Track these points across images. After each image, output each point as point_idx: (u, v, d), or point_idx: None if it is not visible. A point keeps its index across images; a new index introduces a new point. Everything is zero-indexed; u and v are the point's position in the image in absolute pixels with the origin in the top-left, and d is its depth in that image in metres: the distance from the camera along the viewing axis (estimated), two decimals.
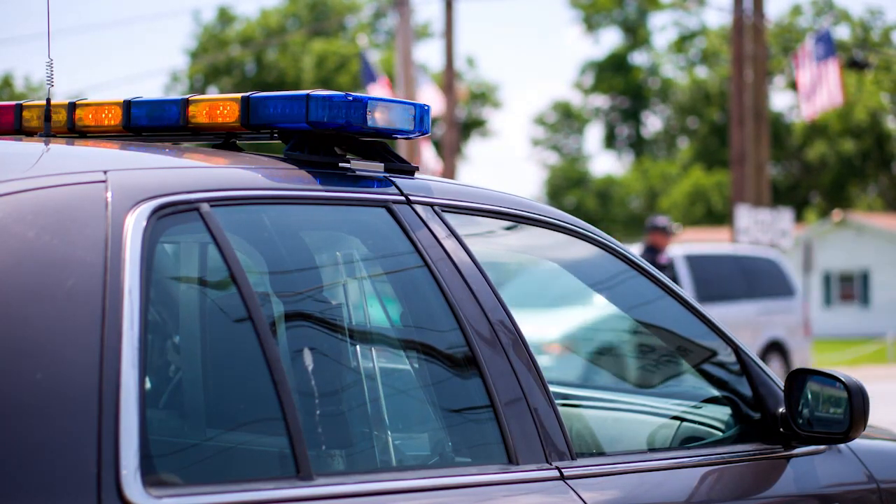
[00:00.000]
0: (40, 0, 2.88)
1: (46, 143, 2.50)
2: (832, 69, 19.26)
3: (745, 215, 19.40)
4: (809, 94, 19.45)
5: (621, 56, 59.93)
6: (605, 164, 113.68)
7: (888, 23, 54.10)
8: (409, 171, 2.68)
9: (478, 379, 2.49)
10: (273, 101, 2.51)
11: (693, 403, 3.30)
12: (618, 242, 2.99)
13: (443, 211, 2.62)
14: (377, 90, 22.61)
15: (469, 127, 55.97)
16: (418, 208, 2.58)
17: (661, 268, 12.48)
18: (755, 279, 15.89)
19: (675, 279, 12.80)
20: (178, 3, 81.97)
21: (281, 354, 2.26)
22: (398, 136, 2.63)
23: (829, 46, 19.41)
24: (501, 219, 2.81)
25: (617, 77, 59.23)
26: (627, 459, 2.78)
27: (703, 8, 57.82)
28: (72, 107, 2.70)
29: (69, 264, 1.97)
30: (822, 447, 3.05)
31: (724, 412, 3.10)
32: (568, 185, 59.79)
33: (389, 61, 44.43)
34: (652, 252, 12.68)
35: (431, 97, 23.35)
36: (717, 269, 15.52)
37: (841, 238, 40.96)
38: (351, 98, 2.50)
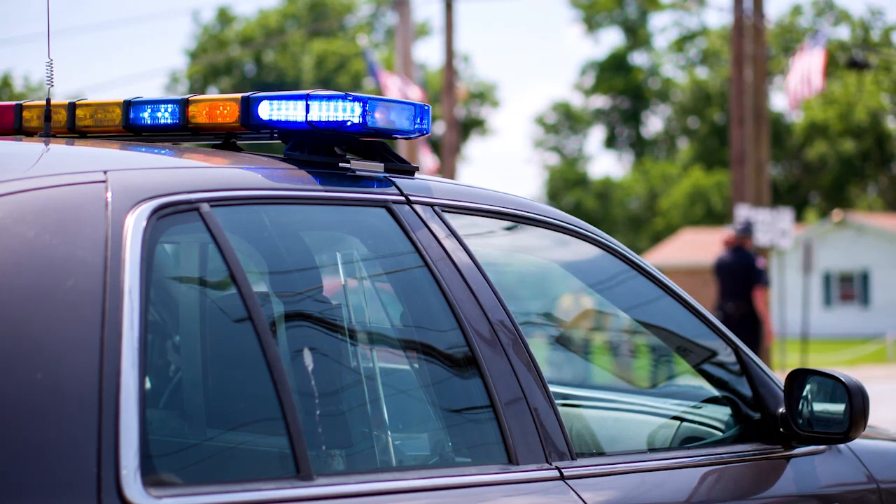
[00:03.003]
0: (40, 0, 2.88)
1: (46, 143, 2.50)
2: (817, 59, 19.20)
3: (745, 215, 19.39)
4: (795, 84, 19.41)
5: (621, 56, 59.93)
6: (605, 164, 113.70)
7: (888, 23, 54.11)
8: (409, 171, 2.68)
9: (478, 379, 2.49)
10: (273, 101, 2.51)
11: (693, 403, 3.30)
12: (618, 242, 2.99)
13: (443, 211, 2.62)
14: (386, 83, 22.57)
15: (468, 126, 55.94)
16: (418, 208, 2.58)
17: (759, 272, 12.34)
18: None
19: (768, 282, 12.66)
20: (178, 3, 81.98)
21: (281, 354, 2.26)
22: (398, 136, 2.63)
23: (821, 42, 19.38)
24: (501, 219, 2.81)
25: (617, 77, 59.22)
26: (627, 459, 2.78)
27: (703, 8, 57.84)
28: (72, 107, 2.70)
29: (69, 264, 1.97)
30: (821, 447, 3.05)
31: (724, 412, 3.10)
32: (568, 185, 59.76)
33: (389, 60, 44.43)
34: (740, 253, 12.51)
35: (417, 96, 23.23)
36: None
37: (841, 238, 40.97)
38: (351, 98, 2.50)
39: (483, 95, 57.89)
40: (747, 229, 12.67)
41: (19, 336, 1.89)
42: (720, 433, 3.07)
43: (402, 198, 2.57)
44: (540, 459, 2.48)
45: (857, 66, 26.05)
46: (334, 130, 2.52)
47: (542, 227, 2.85)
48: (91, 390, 1.89)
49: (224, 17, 55.64)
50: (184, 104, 2.60)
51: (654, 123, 61.74)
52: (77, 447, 1.86)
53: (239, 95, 2.55)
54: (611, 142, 61.89)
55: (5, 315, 1.89)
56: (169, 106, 2.61)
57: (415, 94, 23.08)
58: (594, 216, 55.20)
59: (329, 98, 2.47)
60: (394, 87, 22.08)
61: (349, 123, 2.50)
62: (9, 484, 1.80)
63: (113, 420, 1.89)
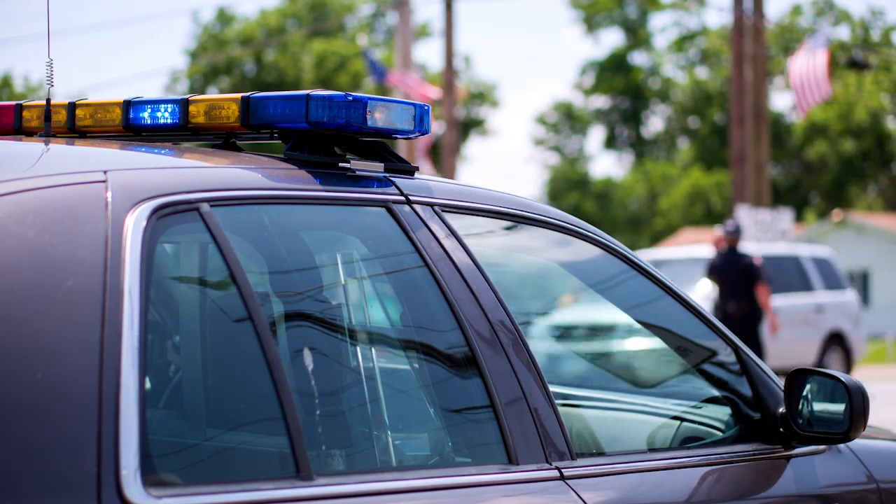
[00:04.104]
0: (40, 0, 2.88)
1: (46, 143, 2.50)
2: (821, 61, 19.19)
3: (745, 215, 19.39)
4: (801, 89, 19.41)
5: (622, 56, 59.91)
6: (605, 165, 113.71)
7: (888, 23, 54.10)
8: (409, 171, 2.68)
9: (478, 379, 2.49)
10: (273, 101, 2.51)
11: (693, 403, 3.30)
12: (618, 242, 2.99)
13: (443, 211, 2.62)
14: (396, 82, 22.55)
15: (468, 126, 55.94)
16: (418, 208, 2.58)
17: (760, 269, 12.37)
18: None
19: (769, 280, 12.71)
20: (178, 3, 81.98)
21: (281, 354, 2.26)
22: (398, 136, 2.64)
23: (821, 41, 19.37)
24: (501, 219, 2.81)
25: (617, 77, 59.21)
26: (627, 459, 2.78)
27: (703, 8, 57.83)
28: (72, 107, 2.70)
29: (69, 264, 1.97)
30: (821, 447, 3.05)
31: (724, 412, 3.10)
32: (569, 186, 59.74)
33: (389, 60, 44.42)
34: (735, 254, 12.52)
35: (426, 93, 23.20)
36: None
37: (841, 238, 40.93)
38: (351, 98, 2.50)
39: (483, 95, 57.86)
40: (738, 230, 12.72)
41: (19, 336, 1.89)
42: (720, 433, 3.07)
43: (402, 198, 2.57)
44: (540, 459, 2.48)
45: (857, 66, 26.06)
46: (334, 130, 2.52)
47: (543, 227, 2.85)
48: (91, 390, 1.89)
49: (224, 16, 55.60)
50: (184, 104, 2.60)
51: (654, 123, 61.75)
52: (77, 447, 1.86)
53: (239, 95, 2.55)
54: (611, 142, 61.86)
55: (5, 315, 1.89)
56: (169, 106, 2.61)
57: (428, 90, 23.02)
58: (594, 216, 55.18)
59: (329, 98, 2.48)
60: (407, 84, 21.99)
61: (349, 123, 2.50)
62: (9, 484, 1.80)
63: (113, 420, 1.89)
